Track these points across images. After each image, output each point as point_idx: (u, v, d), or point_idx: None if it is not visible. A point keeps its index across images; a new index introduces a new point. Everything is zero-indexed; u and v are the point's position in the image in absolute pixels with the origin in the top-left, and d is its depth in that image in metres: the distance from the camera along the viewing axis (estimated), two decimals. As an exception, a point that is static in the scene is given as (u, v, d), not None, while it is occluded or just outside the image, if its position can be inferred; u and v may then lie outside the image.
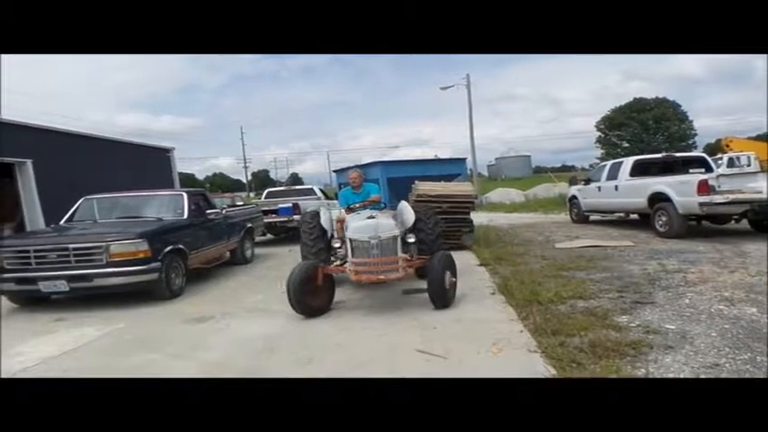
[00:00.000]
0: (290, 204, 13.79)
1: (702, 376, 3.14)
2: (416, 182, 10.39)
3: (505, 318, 5.20)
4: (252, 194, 54.19)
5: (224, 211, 10.05)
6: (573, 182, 15.84)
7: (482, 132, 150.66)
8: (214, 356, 4.45)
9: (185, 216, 8.40)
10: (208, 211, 9.08)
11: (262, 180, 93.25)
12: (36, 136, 16.09)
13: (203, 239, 8.76)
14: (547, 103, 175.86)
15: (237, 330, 5.50)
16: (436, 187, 10.32)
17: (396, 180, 10.99)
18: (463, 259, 9.26)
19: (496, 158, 71.32)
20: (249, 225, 11.22)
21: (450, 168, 12.10)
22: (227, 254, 10.19)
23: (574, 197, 15.15)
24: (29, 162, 15.35)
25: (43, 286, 6.84)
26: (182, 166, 25.04)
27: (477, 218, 11.18)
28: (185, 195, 8.78)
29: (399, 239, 5.96)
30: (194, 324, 5.96)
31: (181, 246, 7.84)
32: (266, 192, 17.82)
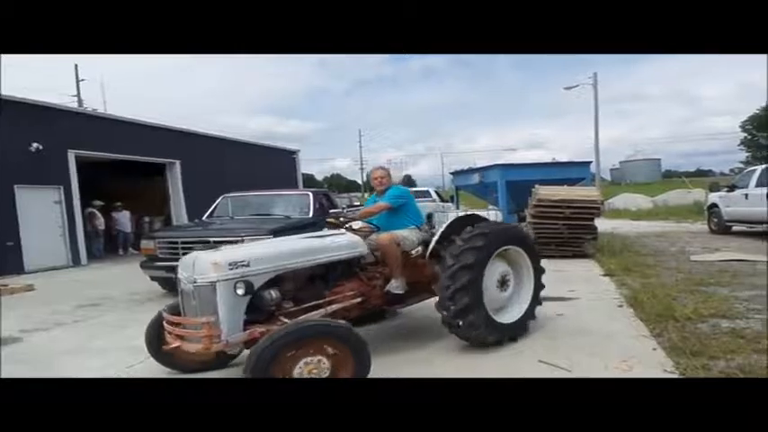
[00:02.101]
0: (407, 206, 14.00)
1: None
2: (537, 186, 10.05)
3: (635, 333, 4.86)
4: (366, 195, 55.73)
5: (345, 210, 10.46)
6: (714, 188, 14.35)
7: (605, 134, 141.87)
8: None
9: (311, 215, 8.85)
10: (331, 211, 9.50)
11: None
12: (183, 139, 17.88)
13: (328, 238, 9.16)
14: (682, 101, 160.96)
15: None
16: (559, 192, 9.90)
17: (515, 184, 10.69)
18: (584, 267, 8.84)
19: (621, 162, 66.59)
20: (367, 225, 11.57)
21: (573, 172, 11.51)
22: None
23: (714, 205, 13.73)
24: (177, 162, 17.15)
25: (186, 275, 7.58)
26: (303, 166, 26.45)
27: (600, 225, 10.54)
28: (311, 195, 9.27)
29: (230, 289, 3.48)
30: None
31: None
32: (383, 193, 18.26)
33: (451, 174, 16.17)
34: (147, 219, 17.51)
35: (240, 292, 3.52)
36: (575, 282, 7.52)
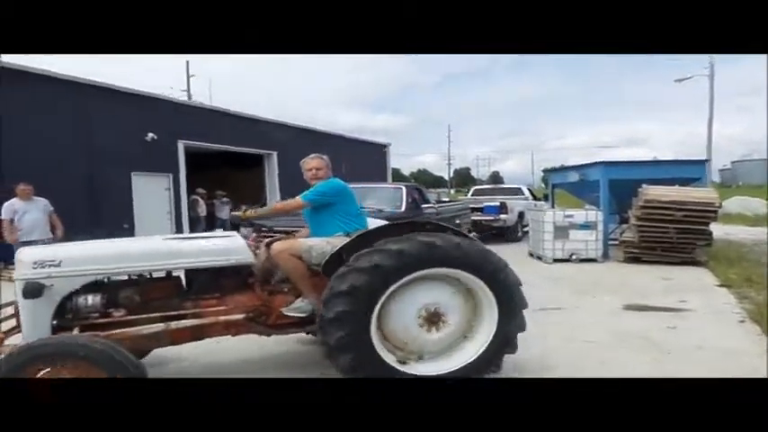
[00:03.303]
0: (498, 203, 13.65)
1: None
2: (644, 186, 9.34)
3: (761, 351, 4.36)
4: (452, 191, 55.16)
5: (437, 206, 10.35)
6: None
7: (715, 131, 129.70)
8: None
9: (402, 209, 8.82)
10: (423, 206, 9.44)
11: (463, 177, 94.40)
12: (280, 130, 18.57)
13: (416, 232, 9.09)
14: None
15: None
16: (670, 192, 9.13)
17: (618, 183, 10.00)
18: (695, 276, 8.11)
19: (733, 162, 60.96)
20: (457, 221, 11.38)
21: (685, 171, 10.54)
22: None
23: None
24: (274, 154, 17.87)
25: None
26: (391, 161, 26.62)
27: (712, 230, 9.64)
28: (404, 189, 9.24)
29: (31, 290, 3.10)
30: None
31: (397, 237, 8.24)
32: (473, 189, 17.96)
33: (546, 171, 15.54)
34: (244, 207, 18.37)
35: (44, 294, 3.11)
36: (686, 292, 6.92)
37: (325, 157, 4.11)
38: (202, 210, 16.24)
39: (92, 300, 3.25)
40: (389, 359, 3.36)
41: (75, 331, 3.16)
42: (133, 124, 13.07)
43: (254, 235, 4.37)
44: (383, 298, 3.27)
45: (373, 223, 3.97)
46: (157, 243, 3.65)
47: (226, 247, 3.60)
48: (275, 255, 3.58)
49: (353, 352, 3.20)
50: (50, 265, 3.17)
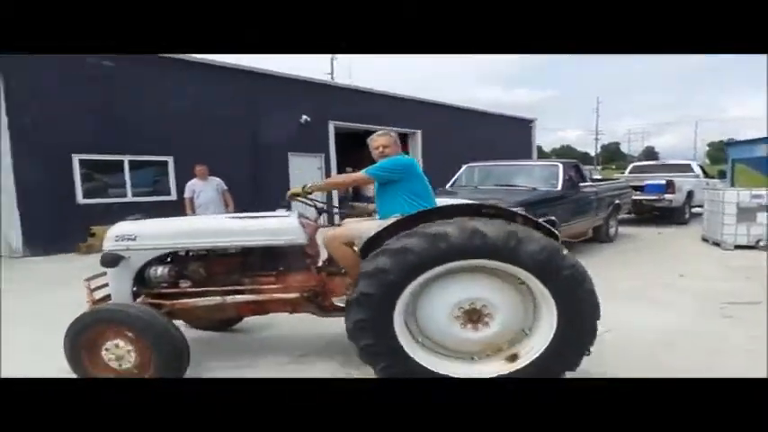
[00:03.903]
0: (663, 181, 12.29)
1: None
2: None
3: None
4: (599, 167, 51.30)
5: (595, 185, 9.60)
6: None
7: None
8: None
9: (559, 187, 8.31)
10: (581, 184, 8.80)
11: (611, 153, 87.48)
12: (423, 109, 18.57)
13: (572, 213, 8.53)
14: None
15: (629, 321, 4.92)
16: None
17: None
18: None
19: None
20: (617, 201, 10.46)
21: None
22: (591, 230, 9.76)
23: None
24: (419, 132, 17.95)
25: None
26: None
27: None
28: (561, 166, 8.68)
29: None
30: None
31: (553, 217, 7.76)
32: (631, 166, 16.41)
33: (727, 144, 13.62)
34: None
35: (121, 264, 3.52)
36: None
37: (393, 133, 3.86)
38: (350, 188, 16.91)
39: (161, 271, 3.56)
40: (417, 353, 3.06)
41: (141, 299, 3.55)
42: (290, 107, 13.91)
43: (317, 215, 4.07)
44: (411, 286, 2.93)
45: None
46: (220, 222, 3.79)
47: (277, 227, 3.58)
48: (327, 243, 3.53)
49: (372, 338, 2.96)
50: (128, 239, 3.55)
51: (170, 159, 11.72)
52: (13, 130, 9.46)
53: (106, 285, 3.67)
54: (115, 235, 3.59)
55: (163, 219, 3.89)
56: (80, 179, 10.42)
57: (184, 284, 3.64)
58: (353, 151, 18.33)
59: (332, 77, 35.92)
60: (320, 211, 4.06)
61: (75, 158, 10.33)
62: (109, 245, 3.57)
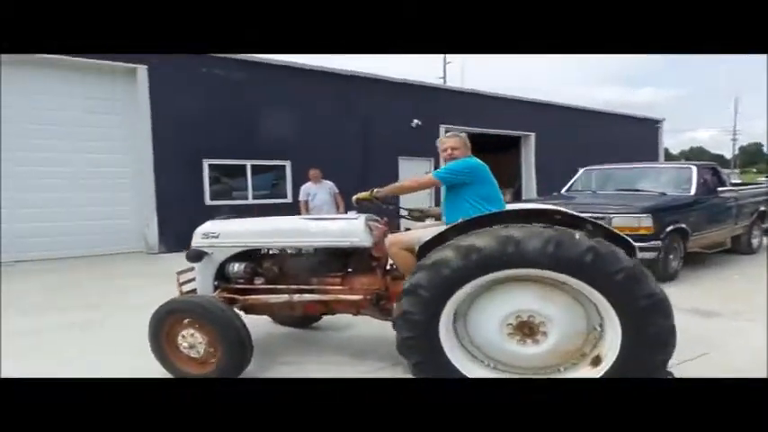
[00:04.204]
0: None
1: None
2: None
3: None
4: (737, 171, 45.99)
5: (736, 190, 8.58)
6: None
7: None
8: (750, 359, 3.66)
9: (692, 192, 7.53)
10: (719, 189, 7.91)
11: (750, 155, 78.18)
12: (537, 110, 17.87)
13: (707, 220, 7.69)
14: None
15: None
16: None
17: None
18: None
19: None
20: (762, 208, 9.28)
21: None
22: (729, 240, 8.73)
23: None
24: (532, 135, 17.30)
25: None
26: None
27: None
28: (695, 169, 7.86)
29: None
30: (695, 316, 5.26)
31: (683, 225, 7.08)
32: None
33: None
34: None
35: (205, 259, 3.80)
36: None
37: (462, 135, 3.71)
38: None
39: (238, 267, 3.77)
40: (469, 368, 2.91)
41: (217, 293, 3.75)
42: (402, 112, 14.06)
43: (386, 219, 3.94)
44: (456, 296, 2.79)
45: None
46: (292, 223, 3.87)
47: (342, 228, 3.61)
48: (388, 248, 3.49)
49: (419, 354, 2.89)
50: (212, 237, 3.83)
51: (287, 164, 12.35)
52: (156, 135, 10.50)
53: (194, 279, 3.94)
54: (202, 233, 3.88)
55: (247, 219, 4.10)
56: (208, 182, 11.32)
57: (258, 281, 3.83)
58: None
59: (444, 81, 35.91)
60: (391, 215, 4.08)
61: (206, 163, 11.24)
62: (196, 241, 3.86)
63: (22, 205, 9.59)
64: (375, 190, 3.65)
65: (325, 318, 4.61)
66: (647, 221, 6.64)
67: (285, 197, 12.26)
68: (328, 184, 9.32)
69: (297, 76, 12.32)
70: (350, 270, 3.77)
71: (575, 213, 3.09)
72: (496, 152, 18.52)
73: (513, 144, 17.75)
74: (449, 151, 3.66)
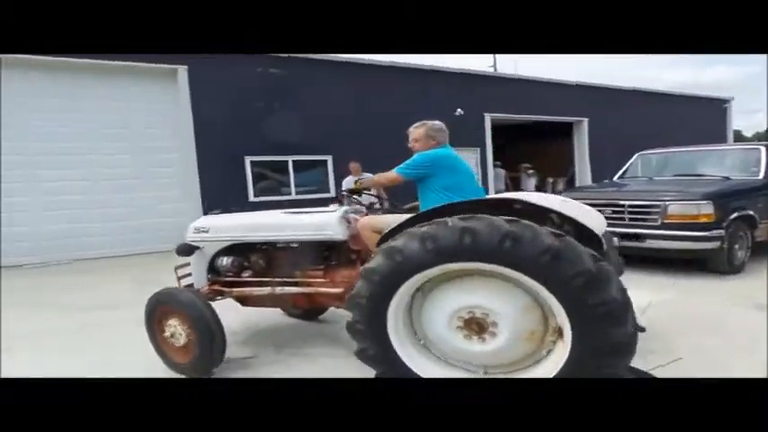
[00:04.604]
0: None
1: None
2: None
3: None
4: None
5: None
6: None
7: None
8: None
9: (761, 175, 6.84)
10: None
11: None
12: (591, 95, 17.00)
13: (780, 206, 6.96)
14: None
15: None
16: None
17: None
18: None
19: None
20: None
21: None
22: (808, 228, 7.89)
23: None
24: (585, 121, 16.47)
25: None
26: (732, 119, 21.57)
27: None
28: (763, 150, 7.14)
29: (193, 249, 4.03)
30: (763, 311, 4.72)
31: (751, 212, 6.46)
32: None
33: None
34: (550, 180, 17.60)
35: (196, 253, 3.94)
36: None
37: (429, 123, 3.61)
38: (500, 183, 16.06)
39: (226, 261, 3.86)
40: (419, 364, 2.82)
41: (206, 286, 3.90)
42: (445, 101, 13.63)
43: (365, 212, 3.87)
44: (407, 285, 2.66)
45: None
46: (272, 217, 3.87)
47: (316, 222, 3.58)
48: (360, 229, 3.43)
49: (385, 366, 2.84)
50: (203, 231, 3.94)
51: (329, 158, 12.28)
52: (198, 134, 10.65)
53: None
54: (194, 227, 4.01)
55: (237, 214, 4.15)
56: (251, 179, 11.40)
57: (246, 274, 3.90)
58: (515, 143, 17.58)
59: (494, 69, 34.95)
60: (368, 207, 4.05)
61: (247, 160, 11.33)
62: (188, 236, 3.99)
63: (73, 206, 9.96)
64: (359, 181, 3.80)
65: (334, 310, 4.57)
66: (707, 208, 6.08)
67: (328, 191, 12.20)
68: (368, 176, 9.18)
69: (335, 69, 12.19)
70: (332, 263, 3.75)
71: (546, 207, 2.81)
72: (548, 140, 17.84)
73: (566, 131, 16.95)
74: (412, 143, 3.65)
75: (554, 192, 14.83)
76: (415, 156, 3.49)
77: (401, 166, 3.46)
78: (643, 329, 3.37)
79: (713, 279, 6.13)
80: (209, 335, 3.38)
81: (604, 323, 2.32)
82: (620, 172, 8.88)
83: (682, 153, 8.28)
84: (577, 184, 16.02)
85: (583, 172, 16.52)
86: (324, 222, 3.56)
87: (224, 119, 10.84)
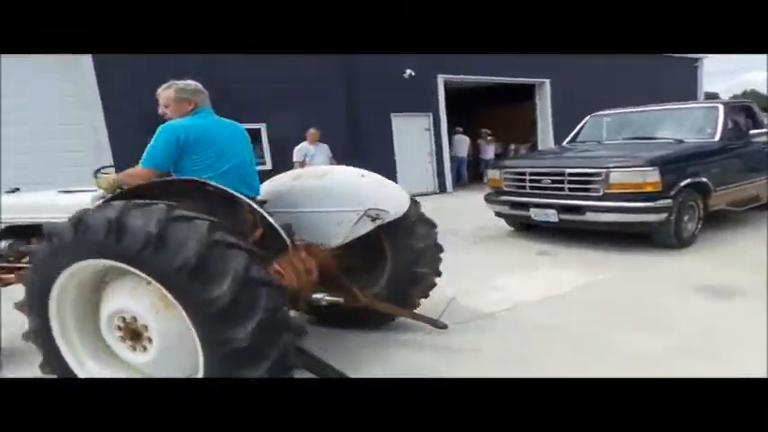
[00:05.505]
0: None
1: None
2: None
3: None
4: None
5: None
6: None
7: None
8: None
9: (717, 138, 6.09)
10: (751, 132, 6.38)
11: (813, 96, 71.95)
12: (555, 55, 15.98)
13: (736, 172, 6.23)
14: None
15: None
16: None
17: None
18: None
19: None
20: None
21: None
22: (767, 194, 7.19)
23: None
24: (546, 82, 15.52)
25: (534, 213, 6.18)
26: (705, 82, 20.83)
27: None
28: (720, 108, 6.35)
29: None
30: (708, 297, 4.04)
31: (704, 179, 5.75)
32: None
33: None
34: (512, 146, 16.75)
35: None
36: None
37: (181, 83, 3.03)
38: (463, 150, 15.20)
39: (4, 244, 3.51)
40: (84, 362, 2.66)
41: None
42: (392, 60, 12.46)
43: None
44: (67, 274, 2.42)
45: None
46: (44, 197, 3.54)
47: (71, 203, 3.03)
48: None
49: (31, 323, 2.61)
50: None
51: (262, 127, 11.23)
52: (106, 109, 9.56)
53: None
54: None
55: (21, 193, 3.75)
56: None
57: (26, 260, 3.43)
58: (465, 109, 16.55)
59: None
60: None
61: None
62: None
63: None
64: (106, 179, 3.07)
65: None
66: (652, 176, 5.34)
67: (264, 164, 11.18)
68: (325, 146, 8.68)
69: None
70: None
71: (225, 189, 2.63)
72: (510, 103, 16.89)
73: (528, 94, 16.01)
74: (162, 110, 3.06)
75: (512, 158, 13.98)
76: (158, 131, 2.81)
77: (146, 153, 2.82)
78: (444, 326, 3.45)
79: (657, 254, 5.43)
80: None
81: (218, 322, 2.09)
82: (570, 136, 8.11)
83: (635, 114, 7.47)
84: (540, 149, 15.19)
85: (545, 138, 15.66)
86: (76, 204, 2.96)
87: (137, 87, 9.71)
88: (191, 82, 3.07)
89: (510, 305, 4.13)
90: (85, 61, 9.34)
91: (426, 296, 3.68)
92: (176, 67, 9.55)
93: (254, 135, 11.17)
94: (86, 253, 2.29)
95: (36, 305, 2.53)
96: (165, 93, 3.02)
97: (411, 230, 3.44)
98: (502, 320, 3.85)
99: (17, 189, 3.88)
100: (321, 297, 3.11)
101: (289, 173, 3.76)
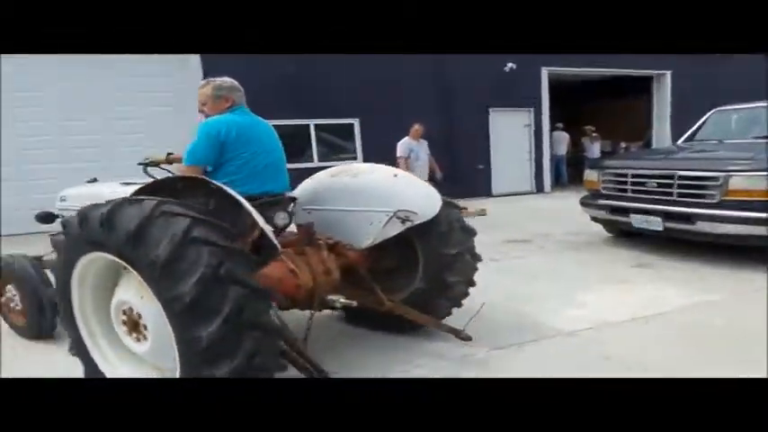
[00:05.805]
0: None
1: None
2: None
3: None
4: None
5: None
6: None
7: None
8: None
9: None
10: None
11: None
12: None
13: None
14: None
15: None
16: None
17: None
18: None
19: None
20: None
21: None
22: None
23: None
24: (668, 73, 14.02)
25: (634, 220, 5.52)
26: None
27: None
28: None
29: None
30: None
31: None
32: None
33: None
34: (623, 144, 15.38)
35: (57, 222, 3.83)
36: None
37: (218, 80, 2.98)
38: (562, 148, 14.19)
39: None
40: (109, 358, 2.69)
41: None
42: (491, 54, 11.91)
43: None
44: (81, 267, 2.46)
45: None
46: (106, 187, 3.63)
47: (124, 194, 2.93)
48: None
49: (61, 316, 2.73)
50: (62, 200, 3.98)
51: (356, 122, 11.24)
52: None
53: None
54: (60, 195, 4.07)
55: (101, 184, 3.91)
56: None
57: None
58: (568, 103, 15.43)
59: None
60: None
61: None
62: (56, 204, 4.05)
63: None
64: (169, 156, 3.38)
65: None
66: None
67: (355, 158, 11.19)
68: (425, 143, 8.32)
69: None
70: None
71: (225, 189, 2.52)
72: (620, 98, 15.53)
73: (644, 87, 14.59)
74: (200, 108, 3.03)
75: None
76: (199, 128, 2.80)
77: (188, 151, 2.82)
78: (468, 338, 3.20)
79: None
80: (38, 300, 3.59)
81: (187, 318, 2.09)
82: (688, 133, 7.23)
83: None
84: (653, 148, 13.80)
85: (661, 135, 14.17)
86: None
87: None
88: (227, 79, 3.03)
89: (588, 325, 3.63)
90: (193, 61, 9.85)
91: (459, 305, 3.43)
92: (276, 68, 9.96)
93: (347, 130, 11.25)
94: (90, 246, 2.32)
95: (61, 296, 2.59)
96: (203, 90, 2.99)
97: (444, 235, 3.20)
98: (570, 344, 3.37)
99: (95, 179, 4.12)
100: (336, 299, 2.96)
101: (328, 170, 3.63)
